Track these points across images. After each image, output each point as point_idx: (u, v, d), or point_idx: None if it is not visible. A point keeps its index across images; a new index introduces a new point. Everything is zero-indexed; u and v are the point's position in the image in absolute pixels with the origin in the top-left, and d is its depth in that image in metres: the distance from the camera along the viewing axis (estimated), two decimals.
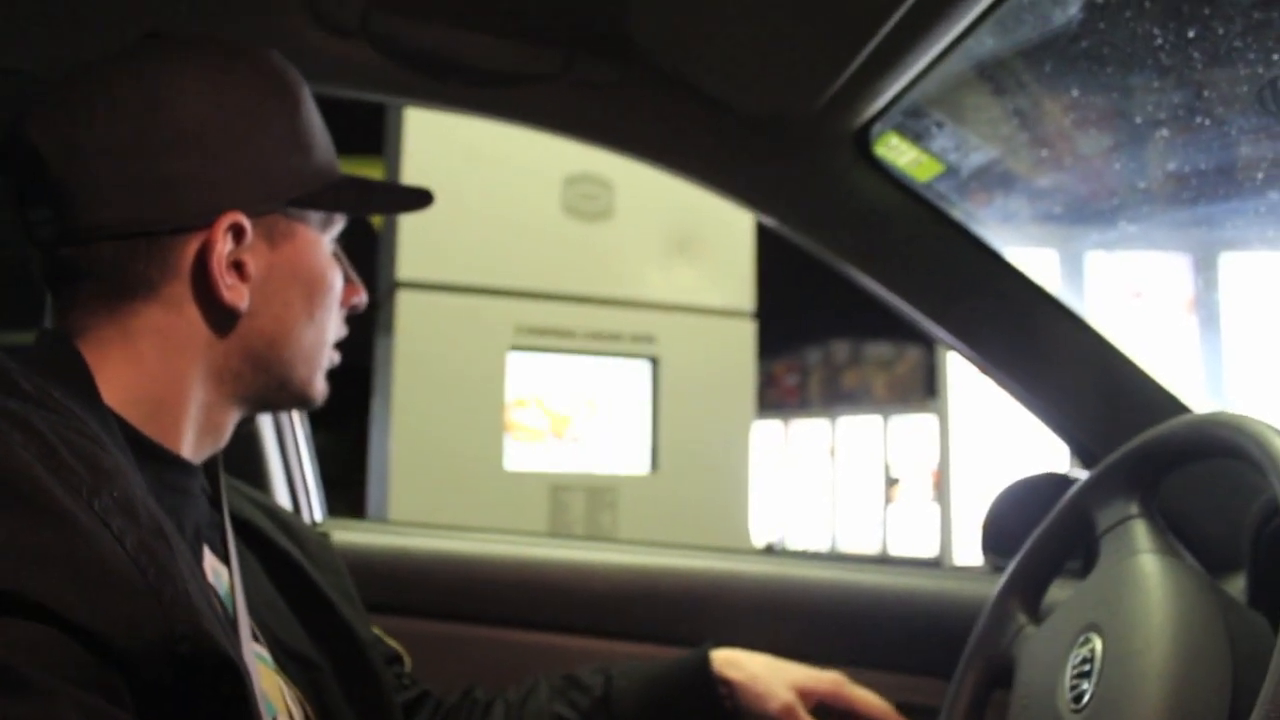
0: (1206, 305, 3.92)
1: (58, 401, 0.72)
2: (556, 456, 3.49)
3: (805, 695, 1.23)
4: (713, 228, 3.65)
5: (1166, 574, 0.89)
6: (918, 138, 1.41)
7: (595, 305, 3.53)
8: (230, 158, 0.85)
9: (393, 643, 1.23)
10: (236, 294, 0.85)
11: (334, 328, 0.96)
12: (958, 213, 1.37)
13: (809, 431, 8.61)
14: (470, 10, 1.25)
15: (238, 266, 0.86)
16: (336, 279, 0.95)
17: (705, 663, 1.23)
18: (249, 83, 0.88)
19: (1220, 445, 0.88)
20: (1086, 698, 0.86)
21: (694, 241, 3.62)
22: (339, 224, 0.96)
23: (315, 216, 0.92)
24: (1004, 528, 1.26)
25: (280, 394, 0.92)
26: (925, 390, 7.25)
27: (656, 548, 1.64)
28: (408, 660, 1.25)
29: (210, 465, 0.94)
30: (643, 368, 3.59)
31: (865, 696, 1.25)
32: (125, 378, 0.83)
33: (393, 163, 3.45)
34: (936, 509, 6.57)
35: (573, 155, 3.44)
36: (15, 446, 0.64)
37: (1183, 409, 1.30)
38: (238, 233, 0.85)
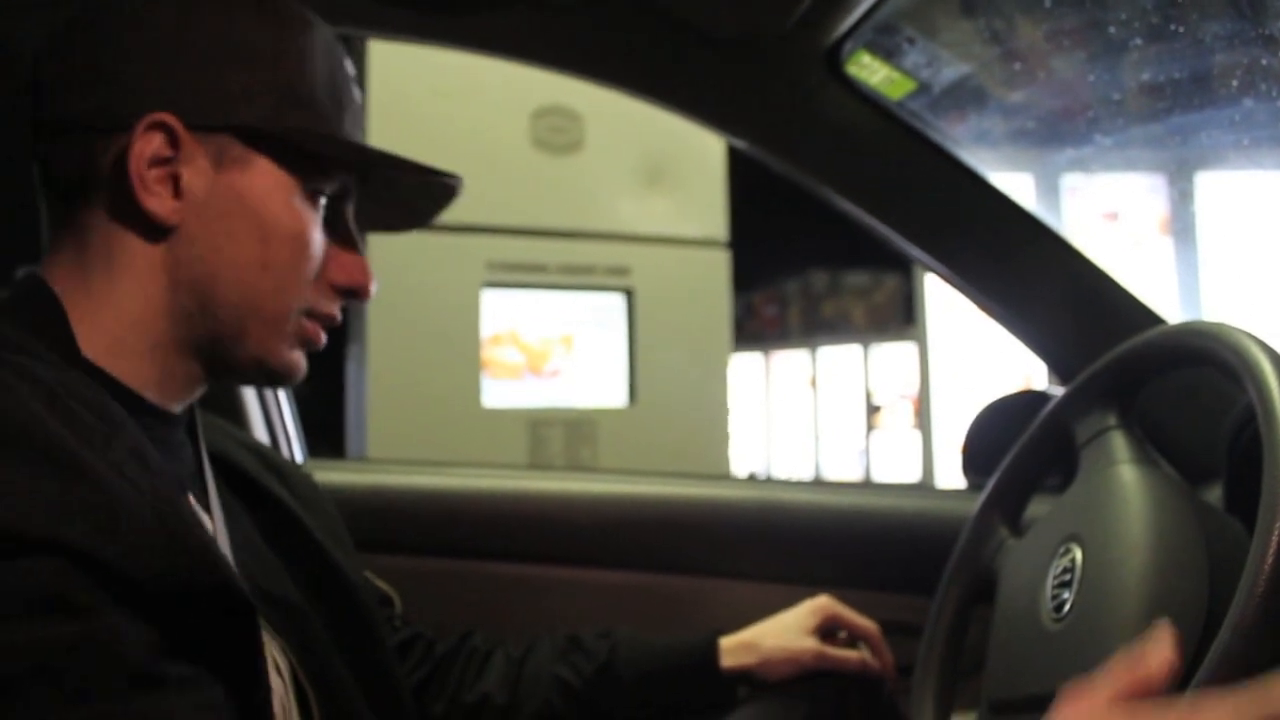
0: (1182, 225, 3.93)
1: (46, 354, 0.73)
2: (534, 392, 3.48)
3: (813, 632, 1.24)
4: (684, 158, 3.62)
5: (1145, 483, 0.89)
6: (889, 55, 1.39)
7: (567, 239, 3.50)
8: (175, 59, 0.82)
9: (383, 585, 1.22)
10: (160, 203, 0.81)
11: (306, 292, 0.87)
12: (932, 131, 1.36)
13: (789, 362, 8.62)
14: None
15: (175, 180, 0.81)
16: (309, 234, 0.86)
17: (712, 650, 1.23)
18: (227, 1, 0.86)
19: (1196, 353, 0.88)
20: (1067, 607, 0.87)
21: (666, 172, 3.59)
22: (330, 182, 0.88)
23: (288, 160, 0.85)
24: (984, 447, 1.27)
25: (236, 352, 0.86)
26: (904, 318, 7.26)
27: (639, 476, 1.64)
28: (398, 602, 1.25)
29: (190, 412, 0.92)
30: (617, 300, 3.57)
31: (853, 615, 1.26)
32: (90, 310, 0.81)
33: None
34: (918, 435, 6.60)
35: (540, 88, 3.39)
36: (24, 398, 0.65)
37: (1159, 321, 1.30)
38: (172, 140, 0.81)
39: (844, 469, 7.73)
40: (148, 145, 0.80)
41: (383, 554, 1.48)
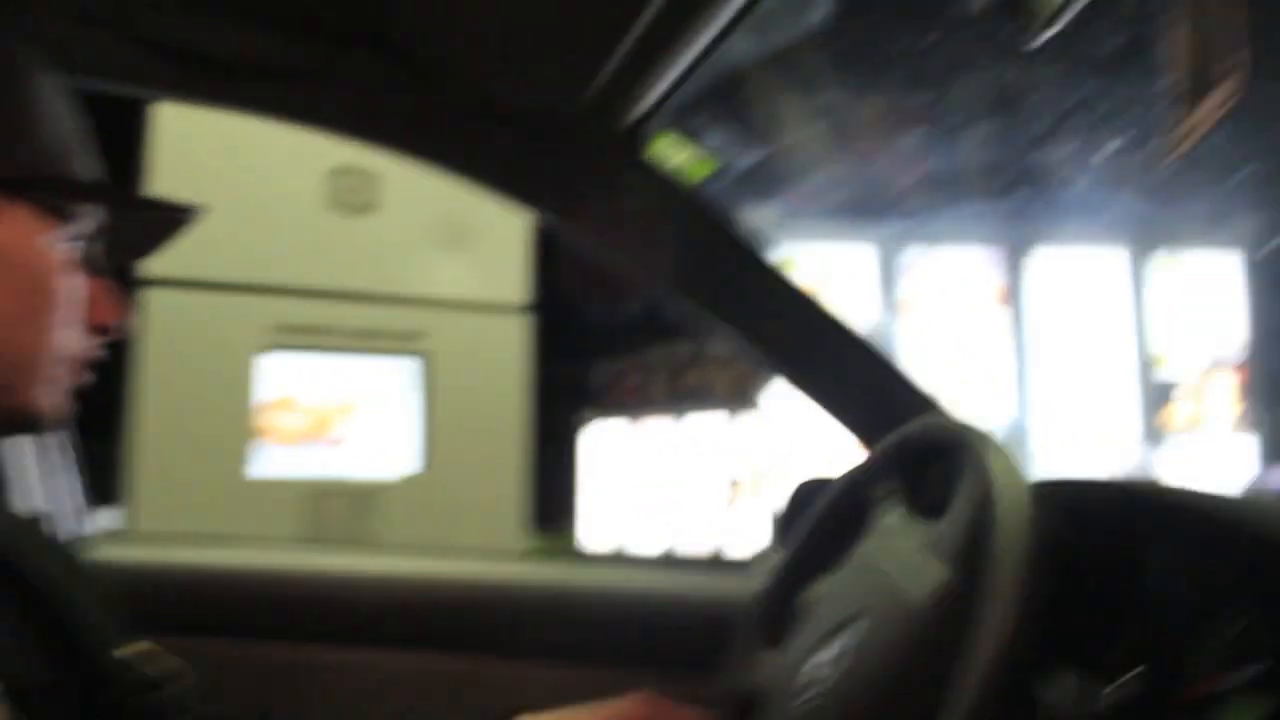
0: (1016, 299, 4.15)
1: None
2: (317, 460, 3.38)
3: None
4: (484, 222, 3.60)
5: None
6: (693, 136, 1.41)
7: (360, 302, 3.44)
8: None
9: (163, 665, 1.16)
10: None
11: (68, 339, 0.87)
12: (734, 213, 1.39)
13: (651, 431, 8.58)
14: (231, 3, 1.19)
15: None
16: (68, 280, 0.86)
17: None
18: None
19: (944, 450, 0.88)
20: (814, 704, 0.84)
21: (465, 235, 3.56)
22: (83, 225, 0.88)
23: (41, 208, 0.84)
24: (798, 520, 1.27)
25: None
26: (763, 389, 7.32)
27: (429, 553, 1.61)
28: (183, 682, 1.18)
29: None
30: (412, 365, 3.51)
31: (674, 713, 1.22)
32: None
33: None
34: (774, 506, 6.63)
35: (337, 148, 3.33)
36: None
37: (933, 406, 1.36)
38: None
39: (703, 540, 7.70)
40: None
41: (176, 634, 1.40)
